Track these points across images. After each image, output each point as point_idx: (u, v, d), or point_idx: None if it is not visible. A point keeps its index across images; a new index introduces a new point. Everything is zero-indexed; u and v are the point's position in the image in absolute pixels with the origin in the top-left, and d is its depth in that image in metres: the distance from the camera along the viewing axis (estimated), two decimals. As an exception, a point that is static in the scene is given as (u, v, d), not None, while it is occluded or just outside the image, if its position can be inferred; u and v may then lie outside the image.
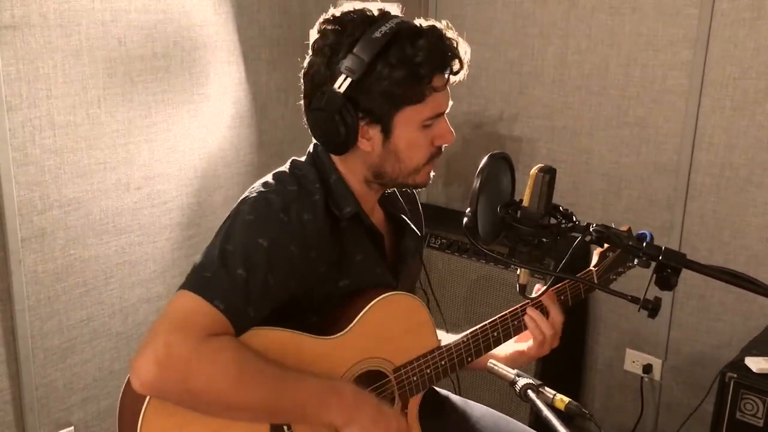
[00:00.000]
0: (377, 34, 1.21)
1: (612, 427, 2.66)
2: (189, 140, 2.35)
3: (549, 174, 1.14)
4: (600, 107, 2.54)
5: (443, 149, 1.34)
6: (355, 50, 1.21)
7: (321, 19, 1.28)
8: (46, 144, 2.00)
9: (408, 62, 1.22)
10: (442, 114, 1.31)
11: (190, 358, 1.07)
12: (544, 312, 1.47)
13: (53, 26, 1.96)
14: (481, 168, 1.15)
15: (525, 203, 1.15)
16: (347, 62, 1.21)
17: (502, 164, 1.20)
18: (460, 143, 2.88)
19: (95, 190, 2.13)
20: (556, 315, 1.46)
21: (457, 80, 1.30)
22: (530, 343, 1.49)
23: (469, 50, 1.29)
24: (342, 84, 1.21)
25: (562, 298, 1.51)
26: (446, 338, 1.46)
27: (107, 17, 2.07)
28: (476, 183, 1.14)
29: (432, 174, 1.36)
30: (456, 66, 1.28)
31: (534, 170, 1.15)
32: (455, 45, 1.27)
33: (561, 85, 2.62)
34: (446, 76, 1.28)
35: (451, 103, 1.33)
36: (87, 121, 2.07)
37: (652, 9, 2.38)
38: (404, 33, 1.22)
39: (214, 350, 1.09)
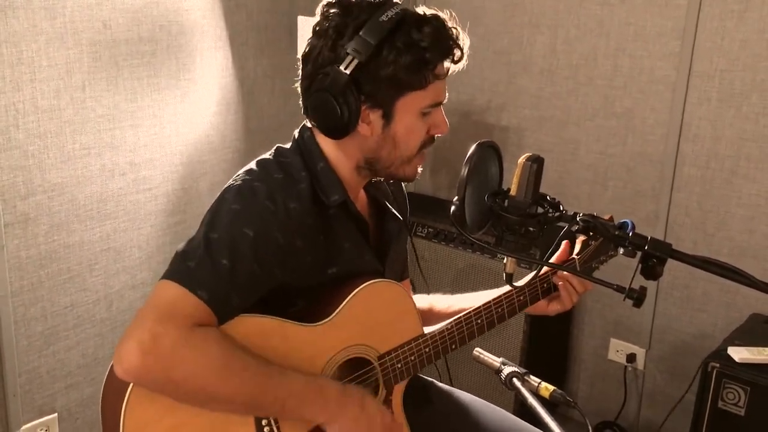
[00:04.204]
0: (384, 18, 1.21)
1: (595, 415, 2.68)
2: (175, 126, 2.33)
3: (537, 163, 1.14)
4: (587, 98, 2.55)
5: (435, 140, 1.36)
6: (361, 33, 1.21)
7: (324, 2, 1.28)
8: (30, 128, 1.97)
9: (414, 47, 1.23)
10: (440, 103, 1.32)
11: (175, 348, 1.07)
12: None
13: (37, 8, 1.93)
14: (469, 156, 1.15)
15: (512, 192, 1.15)
16: (354, 44, 1.21)
17: (490, 153, 1.20)
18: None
19: (80, 176, 2.11)
20: (576, 281, 1.51)
21: (457, 70, 1.32)
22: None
23: (468, 42, 1.31)
24: (349, 65, 1.21)
25: (545, 285, 1.52)
26: (429, 299, 1.56)
27: (92, 0, 2.04)
28: (464, 171, 1.14)
29: (420, 169, 1.38)
30: (457, 54, 1.29)
31: (522, 159, 1.15)
32: (458, 34, 1.29)
33: (549, 75, 2.61)
34: (447, 64, 1.29)
35: (447, 95, 1.34)
36: (71, 105, 2.05)
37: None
38: (410, 19, 1.24)
39: (199, 341, 1.09)
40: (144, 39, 2.19)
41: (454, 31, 1.29)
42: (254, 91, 2.55)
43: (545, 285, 1.51)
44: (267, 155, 1.33)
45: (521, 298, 1.49)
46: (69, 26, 2.00)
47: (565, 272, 1.50)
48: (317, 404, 1.20)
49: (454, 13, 1.31)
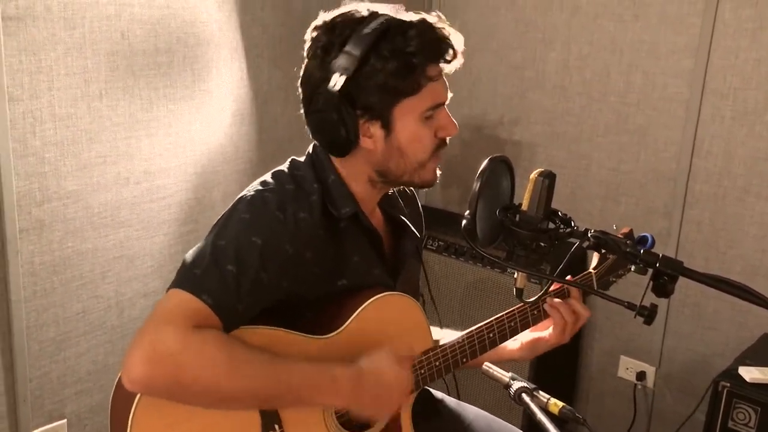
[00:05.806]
0: (367, 30, 1.22)
1: (604, 433, 2.66)
2: (189, 136, 2.35)
3: (549, 178, 1.14)
4: (600, 114, 2.55)
5: (448, 142, 1.34)
6: (346, 48, 1.22)
7: (311, 26, 1.30)
8: (46, 136, 2.00)
9: (400, 53, 1.22)
10: (442, 104, 1.30)
11: (177, 352, 1.07)
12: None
13: (57, 18, 1.96)
14: (481, 171, 1.15)
15: (524, 207, 1.15)
16: (340, 60, 1.22)
17: (502, 167, 1.20)
18: (459, 146, 2.89)
19: (95, 184, 2.13)
20: (578, 303, 1.46)
21: (453, 69, 1.30)
22: (550, 330, 1.49)
23: (462, 39, 1.29)
24: (336, 82, 1.22)
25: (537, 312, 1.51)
26: (441, 333, 1.46)
27: (111, 11, 2.07)
28: (476, 185, 1.14)
29: (438, 172, 1.36)
30: (449, 55, 1.27)
31: (534, 174, 1.15)
32: (447, 34, 1.27)
33: (562, 90, 2.62)
34: (440, 65, 1.28)
35: (450, 94, 1.32)
36: (88, 114, 2.07)
37: (654, 17, 2.39)
38: (394, 26, 1.23)
39: (200, 342, 1.09)
40: (161, 50, 2.22)
41: (442, 31, 1.26)
42: (268, 102, 2.57)
43: (512, 324, 1.46)
44: (282, 167, 1.34)
45: (534, 312, 1.48)
46: (88, 36, 2.03)
47: (553, 302, 1.46)
48: (332, 392, 1.20)
49: (441, 14, 1.29)
